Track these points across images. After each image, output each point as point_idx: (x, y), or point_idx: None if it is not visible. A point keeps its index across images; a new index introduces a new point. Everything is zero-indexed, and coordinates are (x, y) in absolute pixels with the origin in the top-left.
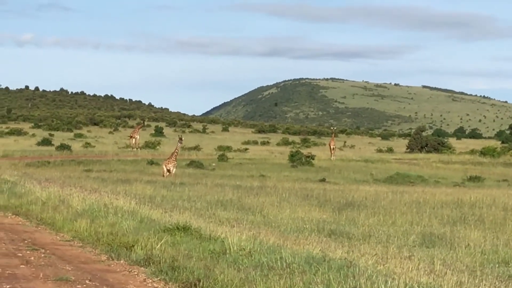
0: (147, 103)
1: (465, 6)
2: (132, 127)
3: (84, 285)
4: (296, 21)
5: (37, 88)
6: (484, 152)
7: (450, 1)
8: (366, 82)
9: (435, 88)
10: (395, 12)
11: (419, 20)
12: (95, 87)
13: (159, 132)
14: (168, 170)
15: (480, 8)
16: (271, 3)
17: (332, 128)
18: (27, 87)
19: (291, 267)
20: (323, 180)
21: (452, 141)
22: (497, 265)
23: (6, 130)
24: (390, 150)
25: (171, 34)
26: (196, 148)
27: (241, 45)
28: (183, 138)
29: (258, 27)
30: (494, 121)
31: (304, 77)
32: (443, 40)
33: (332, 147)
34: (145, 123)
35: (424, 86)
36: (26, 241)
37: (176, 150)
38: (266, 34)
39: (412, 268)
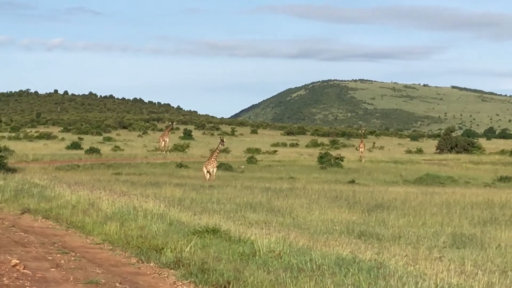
0: (175, 106)
1: (495, 6)
2: (161, 130)
3: None
4: (324, 22)
5: (66, 92)
6: None
7: (480, 1)
8: (394, 83)
9: (464, 89)
10: (424, 12)
11: (448, 20)
12: (123, 90)
13: (187, 135)
14: (208, 172)
15: (508, 9)
16: (298, 5)
17: (360, 131)
18: (56, 91)
19: (321, 269)
20: (352, 181)
21: (482, 141)
22: None
23: (36, 134)
24: (419, 151)
25: (200, 37)
26: (225, 150)
27: (270, 47)
28: (224, 140)
29: (287, 29)
30: None
31: (332, 79)
32: (472, 40)
33: (361, 149)
34: (174, 125)
35: (453, 87)
36: (56, 245)
37: (217, 151)
38: (295, 36)
39: (442, 269)
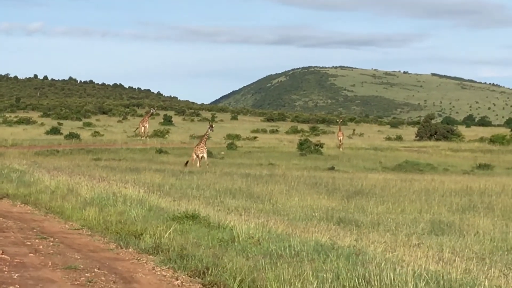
0: (156, 92)
1: None
2: (141, 115)
3: (93, 274)
4: (305, 9)
5: (46, 77)
6: (493, 140)
7: None
8: (375, 70)
9: (444, 76)
10: (405, 0)
11: (428, 8)
12: (104, 76)
13: (168, 120)
14: (200, 157)
15: None
16: None
17: (338, 119)
18: (36, 76)
19: (300, 255)
20: (332, 168)
21: (462, 129)
22: (506, 253)
23: (15, 119)
24: (399, 138)
25: (180, 22)
26: None
27: (250, 33)
28: (213, 125)
29: (268, 16)
30: (503, 108)
31: (313, 65)
32: (452, 28)
33: (339, 138)
34: (154, 111)
35: (433, 74)
36: (35, 230)
37: (206, 137)
38: (276, 22)
39: (421, 256)
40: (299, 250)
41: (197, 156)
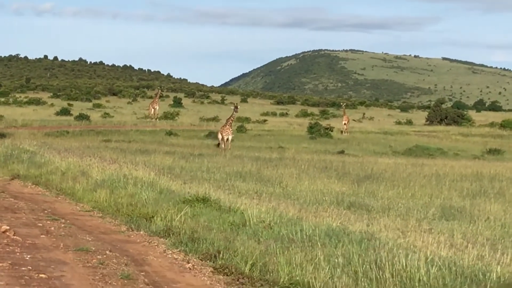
0: (165, 74)
1: None
2: (150, 97)
3: (104, 256)
4: None
5: (55, 58)
6: (504, 125)
7: None
8: (385, 54)
9: (455, 60)
10: None
11: None
12: (113, 57)
13: (177, 103)
14: (226, 139)
15: None
16: None
17: (342, 103)
18: (46, 56)
19: (311, 240)
20: (342, 152)
21: (472, 113)
22: None
23: (25, 100)
24: (409, 122)
25: (191, 4)
26: (215, 119)
27: (261, 16)
28: (238, 106)
29: None
30: None
31: (323, 49)
32: (464, 11)
33: (344, 122)
34: (162, 91)
35: (444, 58)
36: (46, 211)
37: (232, 118)
38: (286, 5)
39: (432, 241)
40: (311, 234)
41: (223, 138)
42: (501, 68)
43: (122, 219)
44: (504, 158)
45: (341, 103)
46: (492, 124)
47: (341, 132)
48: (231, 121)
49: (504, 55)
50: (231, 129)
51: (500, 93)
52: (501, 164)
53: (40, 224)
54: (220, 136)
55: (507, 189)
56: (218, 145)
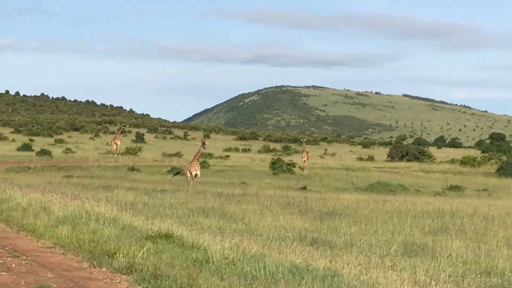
0: (128, 109)
1: (446, 16)
2: (113, 133)
3: None
4: (278, 28)
5: (17, 93)
6: (464, 162)
7: (432, 10)
8: (347, 90)
9: (416, 97)
10: (378, 21)
11: (401, 29)
12: (76, 92)
13: (140, 138)
14: (195, 174)
15: (461, 19)
16: (254, 11)
17: (302, 139)
18: (7, 91)
19: (275, 277)
20: (304, 188)
21: (433, 150)
22: (479, 276)
23: None
24: (371, 158)
25: (153, 39)
26: (177, 154)
27: (224, 52)
28: (206, 143)
29: (240, 34)
30: (474, 130)
31: (285, 85)
32: (424, 49)
33: (304, 159)
34: (124, 127)
35: (405, 95)
36: (7, 248)
37: (199, 154)
38: (249, 41)
39: (395, 278)
40: (274, 271)
41: (191, 174)
42: (461, 105)
43: (84, 256)
44: (464, 195)
45: (302, 139)
46: (452, 161)
47: (301, 168)
48: (198, 157)
49: (463, 93)
50: (198, 165)
51: (460, 130)
52: (462, 200)
53: (1, 261)
54: (188, 173)
55: (468, 225)
56: (175, 174)
